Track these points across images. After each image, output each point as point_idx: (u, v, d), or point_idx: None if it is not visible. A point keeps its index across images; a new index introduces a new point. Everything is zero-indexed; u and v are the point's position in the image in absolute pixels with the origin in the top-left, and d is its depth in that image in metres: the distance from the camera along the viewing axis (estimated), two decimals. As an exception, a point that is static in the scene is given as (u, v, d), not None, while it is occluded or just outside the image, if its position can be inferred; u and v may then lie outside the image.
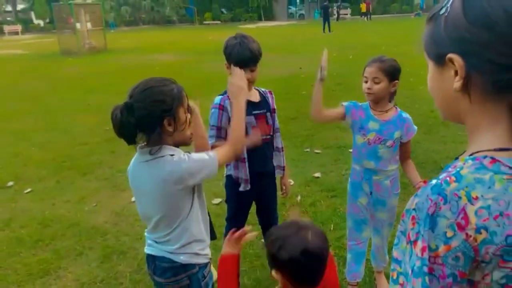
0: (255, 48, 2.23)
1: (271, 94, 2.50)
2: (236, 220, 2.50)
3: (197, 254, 1.69)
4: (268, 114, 2.42)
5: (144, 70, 10.94)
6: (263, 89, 2.48)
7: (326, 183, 4.00)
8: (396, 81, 2.17)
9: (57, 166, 5.02)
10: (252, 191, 2.42)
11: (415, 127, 2.26)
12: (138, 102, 1.49)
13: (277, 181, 2.66)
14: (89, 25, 19.53)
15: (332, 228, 3.23)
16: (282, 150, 2.56)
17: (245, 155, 2.31)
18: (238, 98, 1.79)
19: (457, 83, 0.75)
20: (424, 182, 2.32)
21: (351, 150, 4.72)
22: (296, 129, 5.75)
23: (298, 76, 9.55)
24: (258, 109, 2.38)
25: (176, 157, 1.58)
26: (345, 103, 2.33)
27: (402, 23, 27.39)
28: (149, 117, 1.49)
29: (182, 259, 1.67)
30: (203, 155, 1.64)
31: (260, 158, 2.39)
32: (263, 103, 2.42)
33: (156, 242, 1.71)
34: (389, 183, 2.32)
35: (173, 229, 1.65)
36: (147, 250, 1.76)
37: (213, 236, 3.17)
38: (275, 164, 2.56)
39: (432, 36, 0.79)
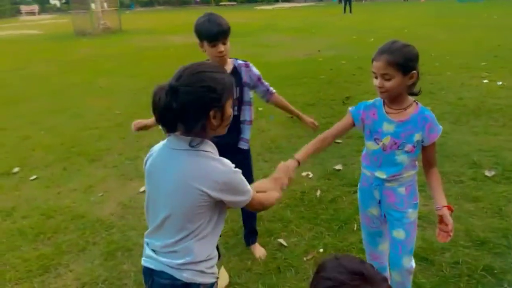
0: (223, 23, 2.30)
1: (247, 66, 2.49)
2: None
3: (203, 272, 1.44)
4: (237, 88, 2.42)
5: (157, 52, 10.71)
6: (239, 61, 2.49)
7: (347, 177, 3.70)
8: (413, 71, 1.75)
9: (65, 151, 4.83)
10: None
11: (440, 127, 1.84)
12: (185, 85, 1.30)
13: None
14: (105, 5, 19.28)
15: (355, 228, 2.94)
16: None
17: None
18: (277, 189, 1.69)
19: None
20: (449, 207, 1.82)
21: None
22: (314, 116, 5.41)
23: (316, 60, 9.16)
24: None
25: (225, 161, 1.40)
26: (351, 109, 1.97)
27: (425, 5, 26.44)
28: (196, 104, 1.30)
29: (186, 276, 1.41)
30: (246, 182, 1.45)
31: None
32: (232, 76, 2.35)
33: (156, 252, 1.46)
34: (404, 191, 1.91)
35: (184, 238, 1.40)
36: (144, 262, 1.51)
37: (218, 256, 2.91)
38: (241, 136, 2.58)
39: None
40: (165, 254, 1.44)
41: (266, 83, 2.57)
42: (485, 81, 6.49)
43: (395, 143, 1.84)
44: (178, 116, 1.30)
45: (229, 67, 2.43)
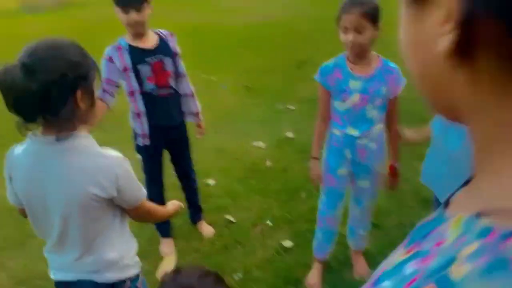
0: None
1: (173, 36, 2.32)
2: (151, 173, 2.43)
3: (127, 265, 1.34)
4: (167, 59, 2.24)
5: (116, 26, 10.14)
6: (164, 31, 2.31)
7: (299, 144, 3.61)
8: (379, 23, 1.74)
9: None
10: (158, 143, 2.36)
11: (404, 79, 1.85)
12: (43, 61, 1.07)
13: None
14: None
15: (305, 197, 2.89)
16: (192, 96, 2.42)
17: (141, 110, 2.21)
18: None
19: (445, 38, 0.34)
20: (390, 168, 1.95)
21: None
22: (270, 83, 5.28)
23: (270, 23, 8.89)
24: (152, 56, 2.19)
25: (107, 153, 1.21)
26: (317, 78, 1.94)
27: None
28: (59, 83, 1.08)
29: (109, 276, 1.30)
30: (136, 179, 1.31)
31: (162, 113, 2.27)
32: (161, 48, 2.23)
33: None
34: (375, 146, 1.95)
35: (88, 250, 1.26)
36: (55, 275, 1.35)
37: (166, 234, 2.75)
38: (185, 110, 2.42)
39: None
40: (76, 262, 1.30)
41: (182, 66, 2.33)
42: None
43: (364, 99, 1.84)
44: (40, 100, 1.07)
45: (153, 39, 2.22)
